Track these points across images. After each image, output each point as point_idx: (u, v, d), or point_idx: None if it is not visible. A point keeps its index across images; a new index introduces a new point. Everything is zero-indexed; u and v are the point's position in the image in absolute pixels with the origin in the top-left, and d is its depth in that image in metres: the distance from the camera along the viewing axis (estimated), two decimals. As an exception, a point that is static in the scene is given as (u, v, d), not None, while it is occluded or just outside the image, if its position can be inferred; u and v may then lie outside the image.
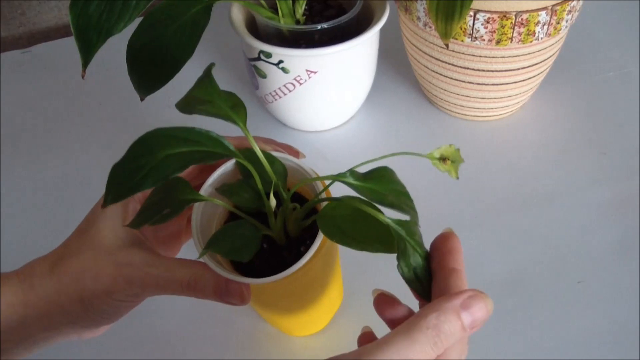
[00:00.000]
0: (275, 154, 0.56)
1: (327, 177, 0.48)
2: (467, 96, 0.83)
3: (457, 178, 0.48)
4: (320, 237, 0.51)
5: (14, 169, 0.86)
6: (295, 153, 0.59)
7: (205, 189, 0.54)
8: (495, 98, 0.83)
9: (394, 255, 0.45)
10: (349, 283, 0.70)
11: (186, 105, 0.50)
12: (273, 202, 0.52)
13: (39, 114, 0.94)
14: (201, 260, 0.50)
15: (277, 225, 0.54)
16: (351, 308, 0.70)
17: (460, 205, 0.79)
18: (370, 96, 0.91)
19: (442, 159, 0.49)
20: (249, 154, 0.52)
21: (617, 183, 0.80)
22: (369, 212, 0.45)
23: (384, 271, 0.64)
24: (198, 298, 0.50)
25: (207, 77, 0.51)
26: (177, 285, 0.50)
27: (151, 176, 0.44)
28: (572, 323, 0.67)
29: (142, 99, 0.66)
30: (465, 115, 0.88)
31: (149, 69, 0.66)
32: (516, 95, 0.84)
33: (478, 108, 0.86)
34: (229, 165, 0.56)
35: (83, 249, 0.51)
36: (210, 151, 0.46)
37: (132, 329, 0.68)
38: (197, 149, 0.46)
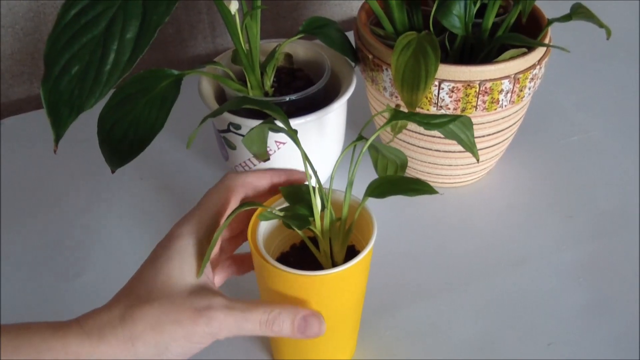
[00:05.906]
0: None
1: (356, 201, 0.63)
2: (434, 163, 0.85)
3: None
4: (374, 235, 0.60)
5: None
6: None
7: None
8: (461, 165, 0.85)
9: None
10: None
11: None
12: (318, 201, 0.60)
13: (11, 187, 0.94)
14: (271, 261, 0.57)
15: (324, 228, 0.61)
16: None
17: (430, 271, 0.79)
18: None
19: None
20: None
21: (584, 246, 0.81)
22: (399, 175, 0.64)
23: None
24: (274, 335, 0.55)
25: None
26: (255, 323, 0.54)
27: None
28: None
29: (113, 172, 0.67)
30: (433, 182, 0.89)
31: (120, 142, 0.66)
32: (482, 161, 0.85)
33: (445, 175, 0.87)
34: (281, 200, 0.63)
35: (155, 296, 0.53)
36: None
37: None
38: None
